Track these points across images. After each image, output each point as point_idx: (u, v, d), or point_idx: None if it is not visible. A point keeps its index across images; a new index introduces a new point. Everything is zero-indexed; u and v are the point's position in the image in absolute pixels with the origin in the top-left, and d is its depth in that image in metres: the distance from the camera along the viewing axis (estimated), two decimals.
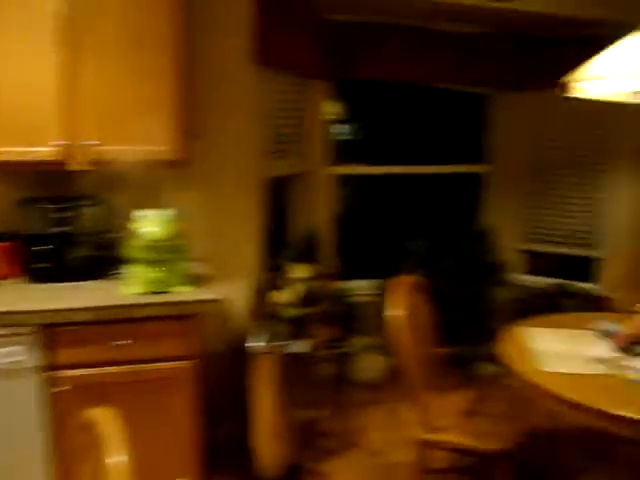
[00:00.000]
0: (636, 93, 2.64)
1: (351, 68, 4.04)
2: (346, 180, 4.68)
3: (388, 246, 4.43)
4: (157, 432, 2.63)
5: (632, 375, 2.30)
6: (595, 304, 4.15)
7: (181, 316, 2.57)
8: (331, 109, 4.40)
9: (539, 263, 4.98)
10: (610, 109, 4.18)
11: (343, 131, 4.81)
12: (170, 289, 2.61)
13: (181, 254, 2.65)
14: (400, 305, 2.50)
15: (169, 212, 2.64)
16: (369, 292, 4.43)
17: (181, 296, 2.59)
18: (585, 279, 4.69)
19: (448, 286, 4.06)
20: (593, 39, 3.95)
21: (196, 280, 2.74)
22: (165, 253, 2.58)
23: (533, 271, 4.95)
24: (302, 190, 4.20)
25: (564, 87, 2.48)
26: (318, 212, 4.26)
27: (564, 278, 4.65)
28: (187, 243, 2.70)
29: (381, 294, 3.52)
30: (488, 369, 4.47)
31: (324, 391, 3.94)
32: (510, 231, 4.85)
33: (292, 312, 3.24)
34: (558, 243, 4.77)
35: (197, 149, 3.04)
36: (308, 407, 3.54)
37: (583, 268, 4.74)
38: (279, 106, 3.74)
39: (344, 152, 4.58)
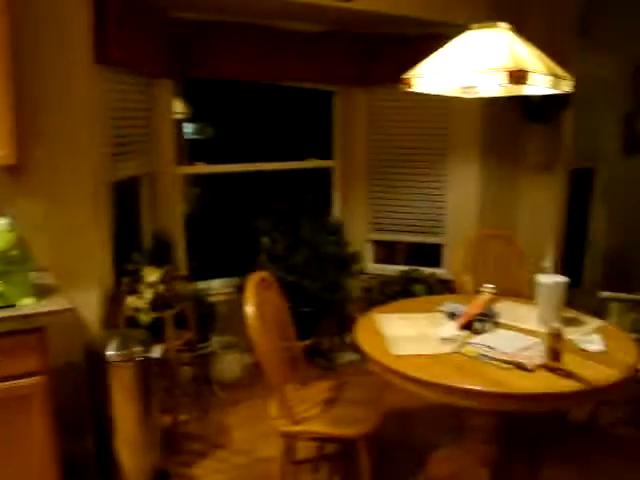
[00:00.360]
0: (465, 89, 2.82)
1: (196, 67, 4.00)
2: (198, 179, 4.64)
3: (243, 244, 4.44)
4: (10, 452, 2.48)
5: (475, 351, 2.46)
6: (443, 287, 4.38)
7: (27, 330, 2.43)
8: (179, 108, 4.35)
9: (390, 252, 5.20)
10: (449, 103, 4.46)
11: (193, 130, 4.77)
12: (13, 302, 2.46)
13: (22, 265, 2.50)
14: (253, 301, 2.51)
15: (4, 221, 2.48)
16: (226, 291, 4.43)
17: (25, 309, 2.45)
18: (435, 264, 4.95)
19: (303, 279, 4.13)
20: (434, 37, 4.18)
21: (41, 291, 2.60)
22: (3, 265, 2.43)
23: (385, 260, 5.16)
24: (152, 191, 4.12)
25: (406, 82, 2.59)
26: (169, 213, 4.19)
27: (415, 265, 4.87)
28: (28, 253, 2.55)
29: (238, 292, 3.53)
30: (347, 358, 4.61)
31: (187, 394, 3.90)
32: (360, 223, 5.02)
33: (147, 317, 3.18)
34: (406, 232, 4.99)
35: (35, 153, 2.89)
36: (172, 412, 3.48)
37: (432, 254, 4.99)
38: (124, 106, 3.63)
39: (194, 151, 4.54)
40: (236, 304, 3.05)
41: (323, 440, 3.19)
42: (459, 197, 4.78)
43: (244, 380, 4.29)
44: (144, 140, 3.97)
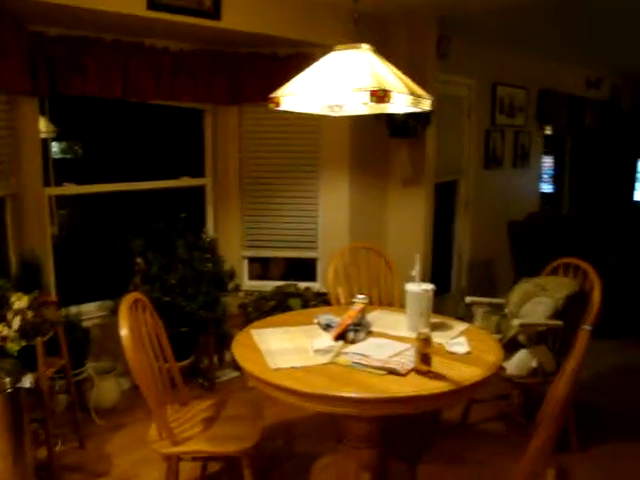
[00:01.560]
0: (331, 107, 2.93)
1: (61, 84, 3.87)
2: (69, 200, 4.48)
3: (117, 265, 4.34)
4: None
5: (349, 360, 2.55)
6: (319, 300, 4.47)
7: None
8: (46, 127, 4.19)
9: (266, 268, 5.25)
10: (320, 121, 4.59)
11: (62, 150, 4.61)
12: None
13: None
14: (127, 324, 2.48)
15: None
16: (100, 314, 4.31)
17: None
18: (310, 278, 5.05)
19: (180, 299, 4.10)
20: (304, 56, 4.30)
21: None
22: None
23: (261, 276, 5.21)
24: (18, 213, 3.93)
25: (273, 101, 2.65)
26: (37, 235, 4.01)
27: (292, 279, 4.94)
28: None
29: (113, 315, 3.45)
30: (227, 376, 4.61)
31: (63, 424, 3.75)
32: (235, 240, 5.04)
33: (16, 345, 3.03)
34: (281, 247, 5.05)
35: None
36: (46, 443, 3.33)
37: (307, 268, 5.09)
38: None
39: (63, 171, 4.39)
40: (111, 327, 2.99)
41: (206, 459, 3.18)
42: (331, 212, 4.91)
43: (123, 405, 4.18)
44: (7, 160, 3.80)
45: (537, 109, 7.14)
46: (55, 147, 4.50)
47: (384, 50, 2.78)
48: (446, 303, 5.60)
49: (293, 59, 4.53)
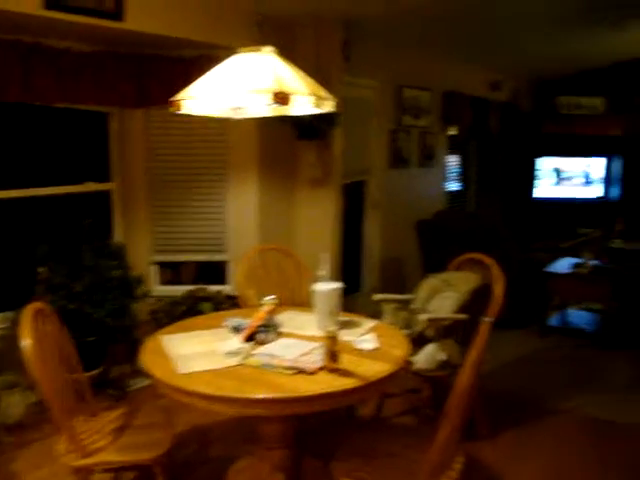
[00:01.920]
0: (234, 110, 2.93)
1: None
2: None
3: (18, 275, 4.19)
4: None
5: (259, 361, 2.55)
6: (231, 303, 4.45)
7: None
8: None
9: (177, 273, 5.18)
10: (226, 124, 4.56)
11: None
12: None
13: None
14: (29, 335, 2.41)
15: None
16: (2, 326, 4.14)
17: None
18: (222, 282, 5.02)
19: (86, 307, 3.99)
20: (209, 59, 4.27)
21: None
22: None
23: (172, 281, 5.14)
24: None
25: (174, 105, 2.63)
26: None
27: (204, 283, 4.90)
28: None
29: (15, 326, 3.32)
30: (139, 384, 4.52)
31: None
32: (144, 245, 4.95)
33: None
34: (191, 251, 5.01)
35: None
36: None
37: (219, 272, 5.06)
38: None
39: None
40: (14, 340, 2.88)
41: (118, 470, 3.10)
42: (240, 214, 4.91)
43: (30, 420, 4.02)
44: None
45: (442, 110, 7.34)
46: None
47: (290, 53, 2.81)
48: (357, 302, 5.68)
49: (198, 62, 4.49)
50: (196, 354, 2.67)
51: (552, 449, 3.72)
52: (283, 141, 4.98)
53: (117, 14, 3.84)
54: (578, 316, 6.38)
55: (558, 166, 9.04)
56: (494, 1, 4.86)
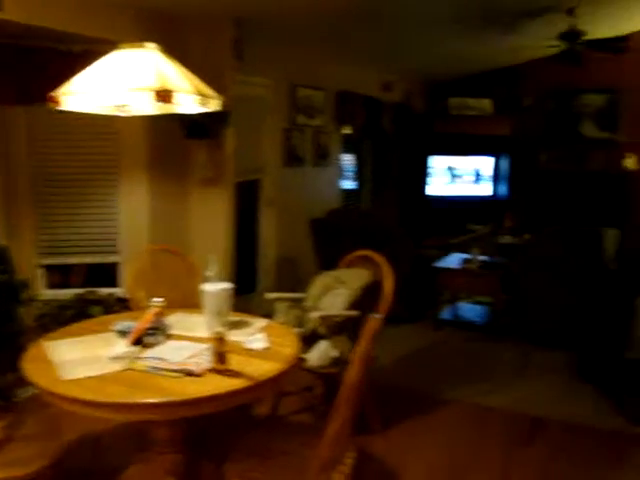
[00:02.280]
0: (120, 107, 2.85)
1: None
2: None
3: None
4: None
5: (145, 364, 2.50)
6: (122, 306, 4.33)
7: None
8: None
9: (64, 275, 4.99)
10: (114, 122, 4.44)
11: None
12: None
13: None
14: None
15: None
16: None
17: None
18: (113, 284, 4.88)
19: None
20: (99, 54, 4.12)
21: None
22: None
23: (61, 284, 4.94)
24: None
25: (53, 100, 2.53)
26: None
27: (95, 286, 4.75)
28: None
29: None
30: (27, 393, 4.32)
31: None
32: (29, 247, 4.73)
33: None
34: (81, 253, 4.84)
35: None
36: None
37: (110, 274, 4.92)
38: None
39: None
40: None
41: None
42: (131, 215, 4.79)
43: None
44: None
45: (335, 110, 7.42)
46: None
47: (179, 51, 2.75)
48: (252, 302, 5.67)
49: (84, 56, 4.32)
50: (81, 359, 2.59)
51: (443, 439, 3.86)
52: (173, 140, 4.88)
53: None
54: (469, 309, 6.62)
55: (451, 164, 9.32)
56: (384, 2, 4.96)
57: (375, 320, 2.41)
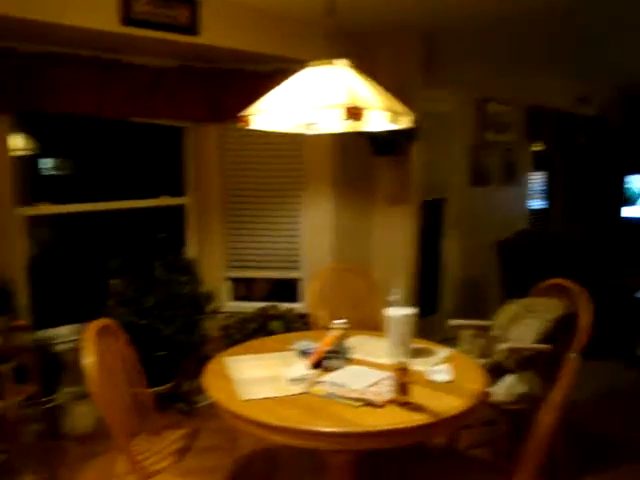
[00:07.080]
0: (309, 125, 2.82)
1: (34, 101, 3.77)
2: (46, 220, 4.36)
3: (93, 287, 4.21)
4: None
5: (324, 390, 2.42)
6: (301, 323, 4.34)
7: None
8: (21, 145, 4.08)
9: (249, 289, 5.12)
10: (301, 139, 4.49)
11: (38, 168, 4.48)
12: None
13: None
14: (92, 352, 2.37)
15: None
16: (75, 338, 4.17)
17: None
18: (294, 300, 4.93)
19: (156, 322, 3.96)
20: (285, 73, 4.19)
21: None
22: None
23: (245, 297, 5.08)
24: None
25: (243, 120, 2.55)
26: (9, 257, 3.89)
27: (276, 300, 4.82)
28: None
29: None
30: (208, 400, 4.46)
31: (35, 452, 3.60)
32: (217, 260, 4.92)
33: None
34: (264, 268, 4.94)
35: None
36: (15, 474, 3.19)
37: (291, 289, 4.97)
38: None
39: (40, 190, 4.26)
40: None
41: None
42: (315, 231, 4.81)
43: (99, 431, 4.02)
44: None
45: (527, 125, 7.06)
46: (34, 165, 4.36)
47: (367, 67, 2.68)
48: (433, 325, 5.48)
49: (275, 76, 4.41)
50: (259, 379, 2.57)
51: None
52: (359, 157, 4.85)
53: (192, 29, 3.83)
54: None
55: None
56: (591, 5, 4.57)
57: (574, 361, 2.17)
